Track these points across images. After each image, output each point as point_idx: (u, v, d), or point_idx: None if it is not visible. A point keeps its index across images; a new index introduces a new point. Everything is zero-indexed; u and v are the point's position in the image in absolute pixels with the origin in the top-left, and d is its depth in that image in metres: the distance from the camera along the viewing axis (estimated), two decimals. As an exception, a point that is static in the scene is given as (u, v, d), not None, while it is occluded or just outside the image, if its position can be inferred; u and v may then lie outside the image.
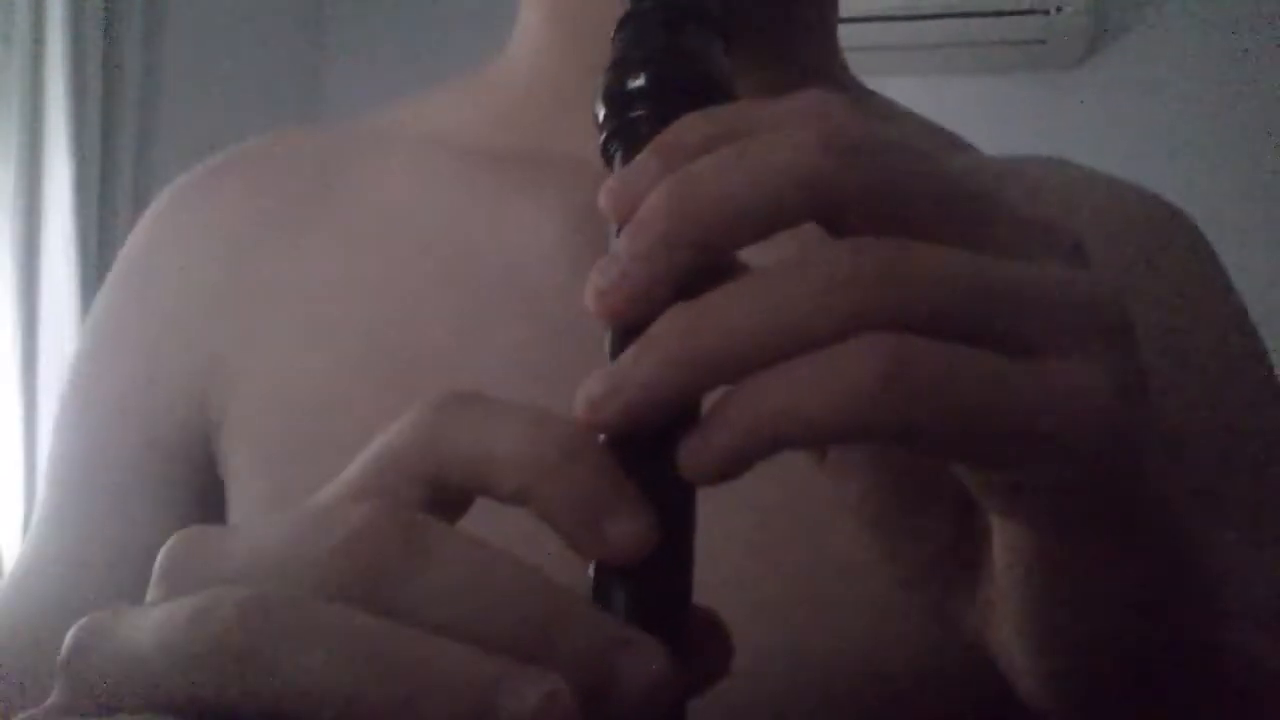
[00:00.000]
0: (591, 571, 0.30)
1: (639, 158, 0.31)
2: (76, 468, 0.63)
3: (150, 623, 0.27)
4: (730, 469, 0.28)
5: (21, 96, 2.23)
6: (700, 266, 0.29)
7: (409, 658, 0.26)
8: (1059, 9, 2.63)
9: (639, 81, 0.35)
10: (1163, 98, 2.77)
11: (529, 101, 0.64)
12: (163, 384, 0.61)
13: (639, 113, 0.35)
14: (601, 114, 0.35)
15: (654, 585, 0.30)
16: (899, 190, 0.29)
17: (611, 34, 0.37)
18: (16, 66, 2.23)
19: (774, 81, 0.60)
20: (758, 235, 0.30)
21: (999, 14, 2.66)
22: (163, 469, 0.61)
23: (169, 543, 0.30)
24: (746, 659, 0.34)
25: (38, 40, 2.25)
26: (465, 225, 0.59)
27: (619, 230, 0.31)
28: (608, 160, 0.36)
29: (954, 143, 0.67)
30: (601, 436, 0.30)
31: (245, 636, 0.26)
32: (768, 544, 0.50)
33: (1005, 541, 0.32)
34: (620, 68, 0.35)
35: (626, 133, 0.35)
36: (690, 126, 0.31)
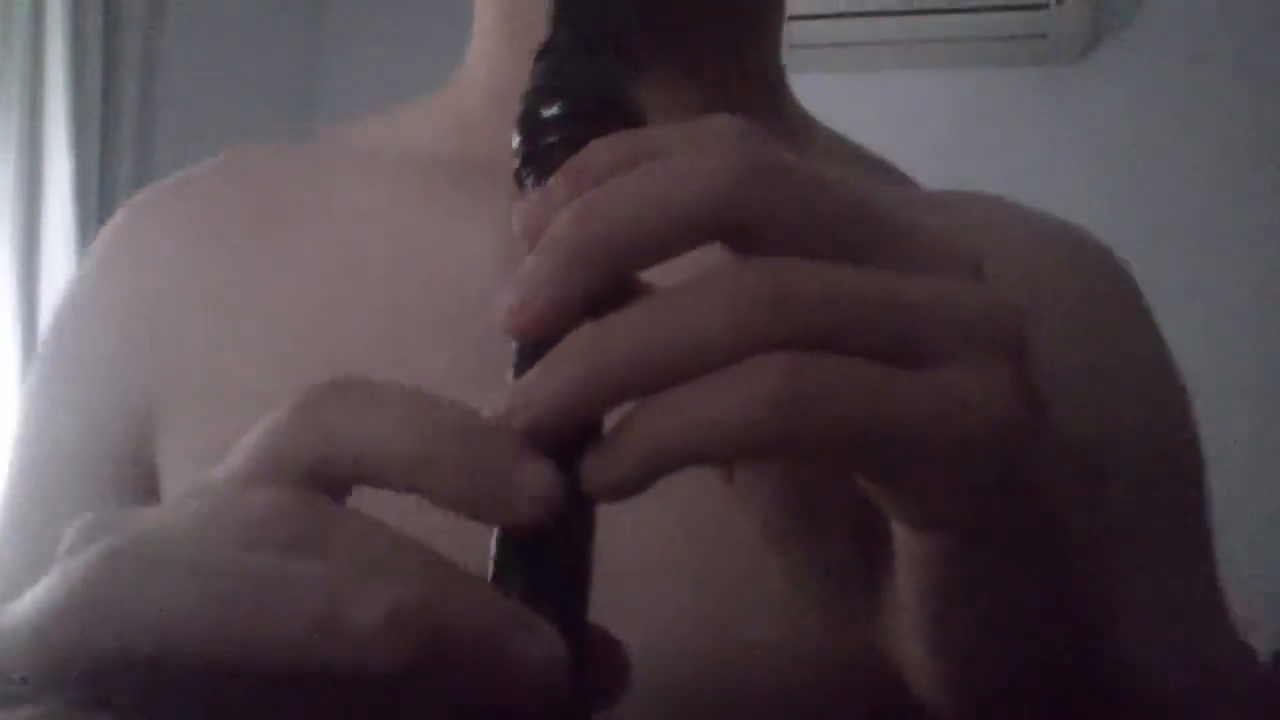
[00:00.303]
0: (490, 576, 0.31)
1: (549, 182, 0.32)
2: (33, 476, 0.63)
3: (37, 590, 0.29)
4: (631, 487, 0.29)
5: (21, 87, 2.23)
6: (607, 286, 0.30)
7: (262, 577, 0.27)
8: (1060, 3, 2.62)
9: (553, 110, 0.36)
10: (1163, 92, 2.77)
11: (480, 111, 0.64)
12: (109, 411, 0.61)
13: (552, 140, 0.36)
14: (516, 141, 0.36)
15: (551, 588, 0.30)
16: (799, 212, 0.30)
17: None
18: (17, 57, 2.23)
19: (711, 103, 0.61)
20: (662, 256, 0.30)
21: (1000, 8, 2.66)
22: (107, 485, 0.61)
23: (75, 524, 0.31)
24: (651, 661, 0.36)
25: (37, 30, 2.25)
26: (410, 237, 0.60)
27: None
28: (521, 186, 0.37)
29: (893, 174, 0.68)
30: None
31: (107, 576, 0.27)
32: (675, 549, 0.51)
33: (905, 550, 0.33)
34: (535, 96, 0.37)
35: (540, 159, 0.36)
36: (598, 151, 0.32)
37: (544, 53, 0.38)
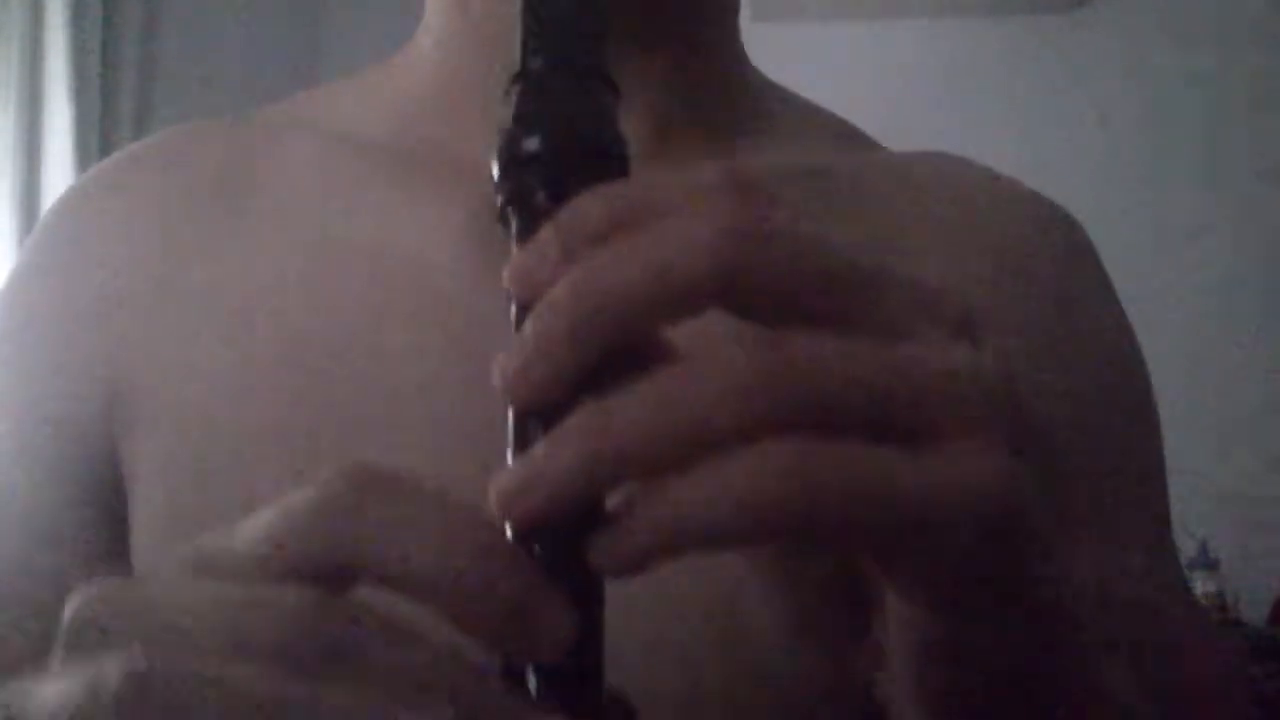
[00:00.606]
0: (499, 663, 0.31)
1: (540, 235, 0.32)
2: None
3: (46, 697, 0.29)
4: (639, 567, 0.30)
5: (22, 42, 2.23)
6: (605, 355, 0.31)
7: (302, 712, 0.27)
8: (1055, -48, 2.61)
9: (533, 145, 0.35)
10: (1157, 43, 2.77)
11: (432, 99, 0.63)
12: (69, 392, 0.60)
13: (533, 179, 0.35)
14: (496, 175, 0.36)
15: (566, 670, 0.31)
16: (795, 279, 0.31)
17: (513, 67, 0.38)
18: (16, 12, 2.23)
19: (671, 81, 0.60)
20: (659, 326, 0.32)
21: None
22: (70, 481, 0.59)
23: (73, 600, 0.30)
24: (647, 701, 0.36)
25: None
26: (368, 224, 0.59)
27: (519, 308, 0.32)
28: (504, 223, 0.36)
29: (855, 139, 0.68)
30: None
31: (136, 707, 0.27)
32: (677, 586, 0.50)
33: (900, 614, 0.34)
34: (514, 130, 0.36)
35: (522, 200, 0.36)
36: (589, 207, 0.32)
37: (518, 79, 0.37)
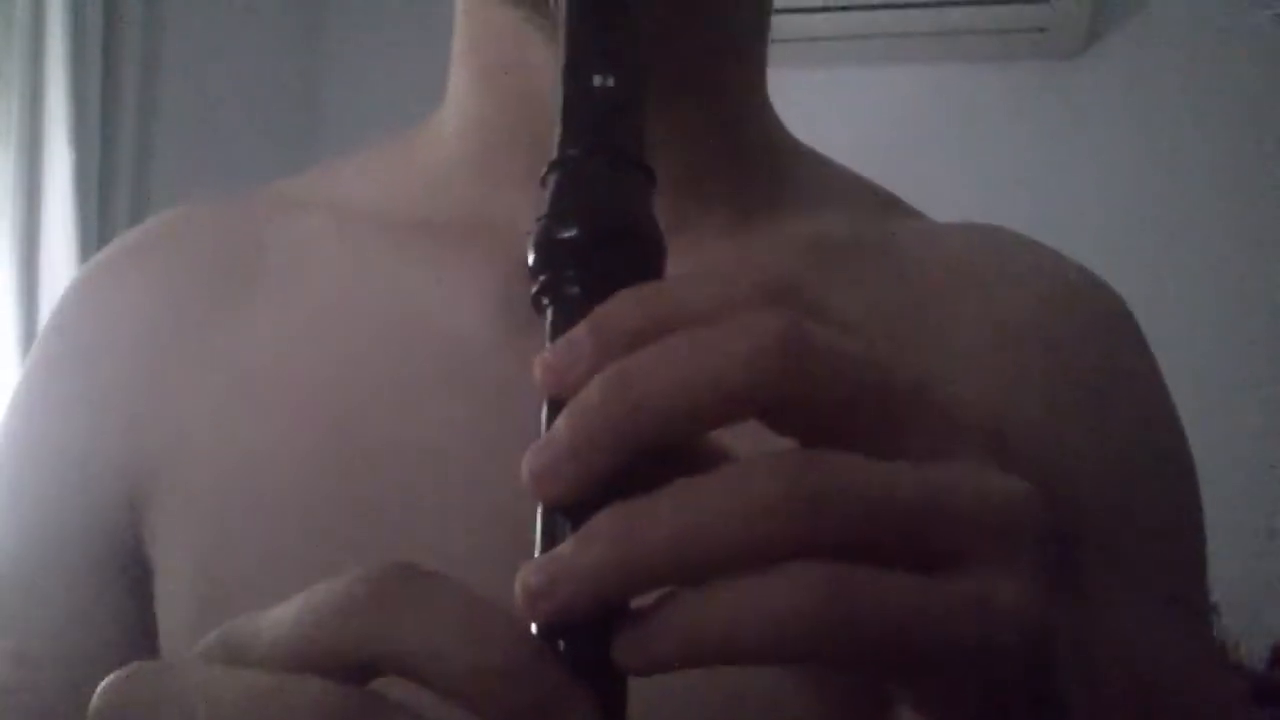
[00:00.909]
0: None
1: (573, 332, 0.33)
2: (7, 561, 0.61)
3: None
4: (664, 669, 0.30)
5: (22, 82, 2.23)
6: (636, 459, 0.31)
7: None
8: (1059, -3, 2.63)
9: (570, 233, 0.35)
10: (1163, 86, 2.77)
11: (458, 170, 0.62)
12: (91, 473, 0.60)
13: (570, 271, 0.35)
14: (532, 262, 0.36)
15: None
16: (831, 398, 0.31)
17: (548, 156, 0.38)
18: (17, 52, 2.23)
19: (695, 150, 0.59)
20: (691, 437, 0.32)
21: (999, 2, 2.66)
22: (96, 559, 0.59)
23: (104, 686, 0.31)
24: None
25: (38, 25, 2.25)
26: (396, 296, 0.59)
27: (550, 402, 0.33)
28: (539, 310, 0.36)
29: (890, 205, 0.67)
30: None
31: None
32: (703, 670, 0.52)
33: None
34: (550, 219, 0.36)
35: (557, 289, 0.36)
36: (625, 308, 0.32)
37: (555, 167, 0.37)
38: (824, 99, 2.71)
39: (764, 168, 0.63)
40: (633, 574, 0.30)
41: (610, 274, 0.34)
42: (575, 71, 0.39)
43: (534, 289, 0.36)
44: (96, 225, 2.32)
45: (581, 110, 0.38)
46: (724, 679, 0.49)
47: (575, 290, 0.35)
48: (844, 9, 2.63)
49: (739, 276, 0.33)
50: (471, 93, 0.63)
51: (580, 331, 0.32)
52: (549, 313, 0.36)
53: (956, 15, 2.70)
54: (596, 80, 0.38)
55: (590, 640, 0.31)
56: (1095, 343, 0.62)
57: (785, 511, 0.29)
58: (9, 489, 0.62)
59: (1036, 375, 0.58)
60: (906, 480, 0.31)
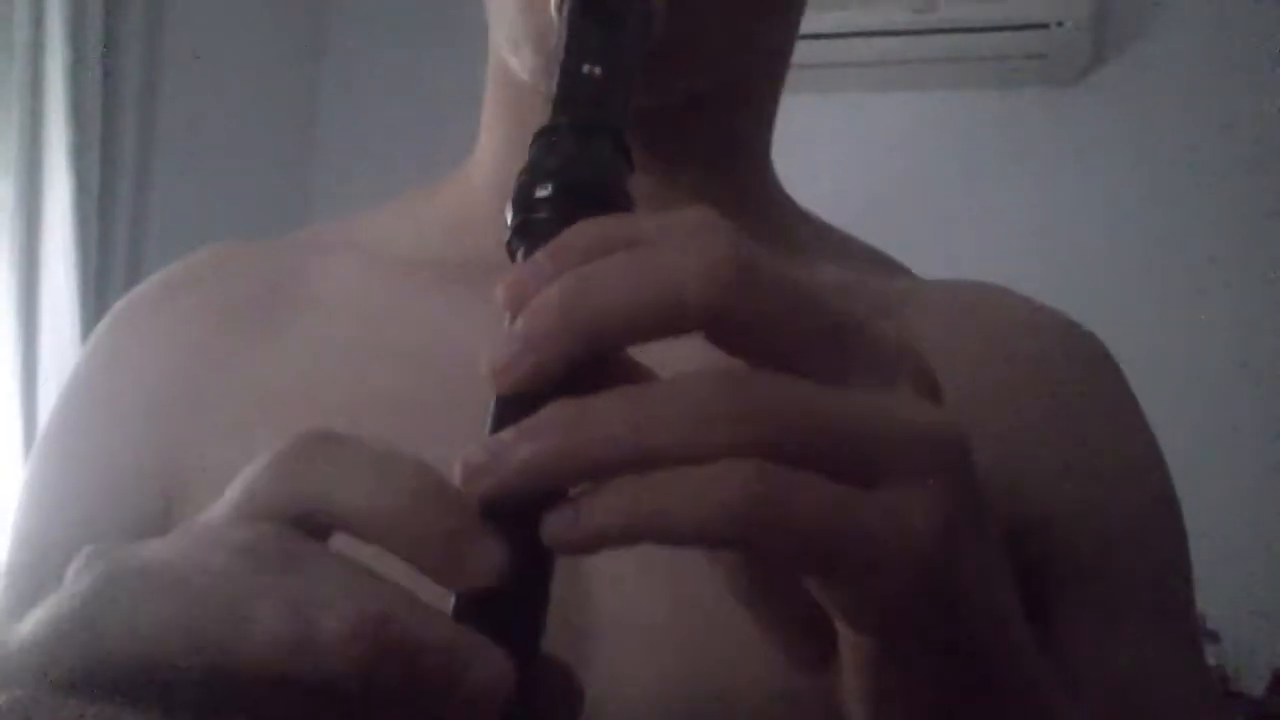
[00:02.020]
0: (450, 611, 0.34)
1: (534, 256, 0.35)
2: (39, 553, 0.63)
3: (39, 612, 0.33)
4: (591, 547, 0.32)
5: (21, 107, 2.25)
6: (587, 359, 0.34)
7: (236, 592, 0.31)
8: (1060, 23, 2.64)
9: (545, 189, 0.39)
10: (1164, 113, 2.78)
11: (482, 219, 0.65)
12: (131, 485, 0.62)
13: (542, 215, 0.39)
14: (510, 215, 0.40)
15: (505, 626, 0.33)
16: (770, 319, 0.34)
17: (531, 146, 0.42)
18: (16, 75, 2.25)
19: (707, 195, 0.62)
20: (637, 340, 0.34)
21: (1000, 29, 2.67)
22: None
23: (80, 555, 0.34)
24: (646, 685, 0.42)
25: (37, 48, 2.27)
26: (419, 328, 0.62)
27: (510, 320, 0.35)
28: (512, 256, 0.40)
29: (885, 264, 0.71)
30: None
31: (104, 596, 0.32)
32: (664, 582, 0.53)
33: (844, 638, 0.37)
34: (530, 175, 0.40)
35: (530, 232, 0.39)
36: (584, 230, 0.35)
37: (541, 135, 0.41)
38: (825, 125, 2.73)
39: (768, 221, 0.67)
40: (568, 464, 0.32)
41: (578, 219, 0.36)
42: (569, 61, 0.44)
43: (508, 236, 0.39)
44: (96, 248, 2.34)
45: (570, 91, 0.43)
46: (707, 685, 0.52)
47: (545, 233, 0.37)
48: (844, 36, 2.65)
49: (693, 210, 0.35)
50: (500, 153, 0.68)
51: (540, 254, 0.35)
52: (520, 254, 0.39)
53: (956, 42, 2.71)
54: (586, 69, 0.44)
55: (521, 520, 0.32)
56: (1072, 371, 0.66)
57: (723, 416, 0.31)
58: (50, 489, 0.65)
59: (1008, 393, 0.62)
60: (840, 401, 0.33)
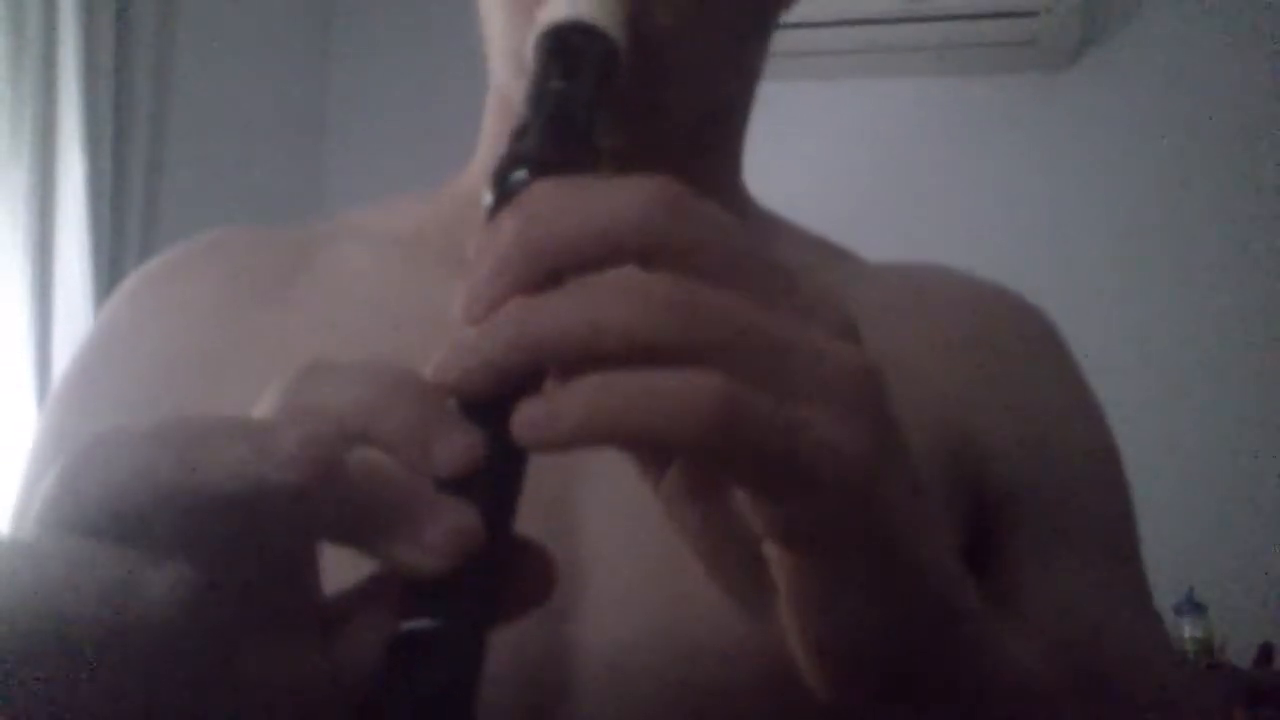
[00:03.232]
0: None
1: (497, 218, 0.38)
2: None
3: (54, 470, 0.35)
4: (560, 442, 0.35)
5: (35, 96, 2.26)
6: (541, 283, 0.36)
7: (206, 428, 0.34)
8: (1048, 11, 2.66)
9: (520, 174, 0.43)
10: (1152, 100, 2.80)
11: (477, 219, 0.68)
12: None
13: (515, 189, 0.43)
14: (487, 198, 0.43)
15: (479, 506, 0.36)
16: (707, 252, 0.36)
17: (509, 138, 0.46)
18: (30, 66, 2.26)
19: None
20: (588, 267, 0.36)
21: (989, 15, 2.69)
22: None
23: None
24: (635, 626, 0.45)
25: (50, 40, 2.28)
26: (416, 299, 0.64)
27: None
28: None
29: (842, 255, 0.75)
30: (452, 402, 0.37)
31: (100, 447, 0.34)
32: (657, 526, 0.54)
33: (779, 563, 0.38)
34: (506, 162, 0.44)
35: (501, 208, 0.42)
36: (545, 186, 0.38)
37: (517, 132, 0.46)
38: (817, 113, 2.74)
39: (730, 209, 0.69)
40: (522, 349, 0.35)
41: None
42: (538, 77, 0.49)
43: (486, 218, 0.43)
44: (109, 237, 2.35)
45: (539, 98, 0.48)
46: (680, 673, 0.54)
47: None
48: (836, 24, 2.67)
49: (641, 175, 0.38)
50: (499, 138, 0.69)
51: (503, 214, 0.38)
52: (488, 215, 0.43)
53: (947, 29, 2.73)
54: (553, 84, 0.49)
55: (499, 419, 0.35)
56: (1017, 337, 0.70)
57: (661, 310, 0.34)
58: (62, 439, 0.66)
59: (955, 357, 0.66)
60: (770, 318, 0.36)
